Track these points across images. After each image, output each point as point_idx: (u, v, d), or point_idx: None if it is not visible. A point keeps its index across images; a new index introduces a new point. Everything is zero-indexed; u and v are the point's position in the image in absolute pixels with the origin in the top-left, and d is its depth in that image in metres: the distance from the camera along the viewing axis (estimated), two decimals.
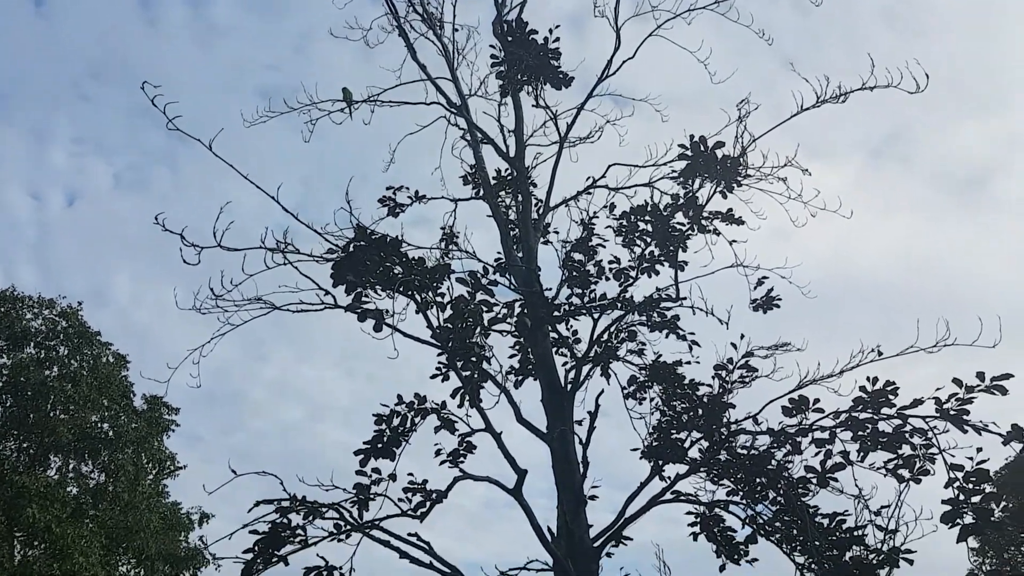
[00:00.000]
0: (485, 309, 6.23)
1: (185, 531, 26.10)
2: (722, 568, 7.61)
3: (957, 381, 5.36)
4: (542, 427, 8.22)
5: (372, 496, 6.37)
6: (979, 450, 5.04)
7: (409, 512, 6.64)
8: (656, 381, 8.75)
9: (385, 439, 6.57)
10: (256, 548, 6.32)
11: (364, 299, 5.95)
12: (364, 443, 6.52)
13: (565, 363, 8.70)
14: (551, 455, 8.20)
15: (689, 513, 8.01)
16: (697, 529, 7.94)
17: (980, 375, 5.30)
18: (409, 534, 7.02)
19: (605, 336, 8.66)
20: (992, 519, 4.75)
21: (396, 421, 6.70)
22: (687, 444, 7.86)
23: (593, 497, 8.10)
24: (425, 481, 6.61)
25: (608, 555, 7.92)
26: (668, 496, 7.79)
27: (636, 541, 8.16)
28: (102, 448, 24.80)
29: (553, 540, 7.69)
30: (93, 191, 59.05)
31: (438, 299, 6.16)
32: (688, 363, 8.65)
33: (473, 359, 5.99)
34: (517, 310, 7.47)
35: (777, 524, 7.07)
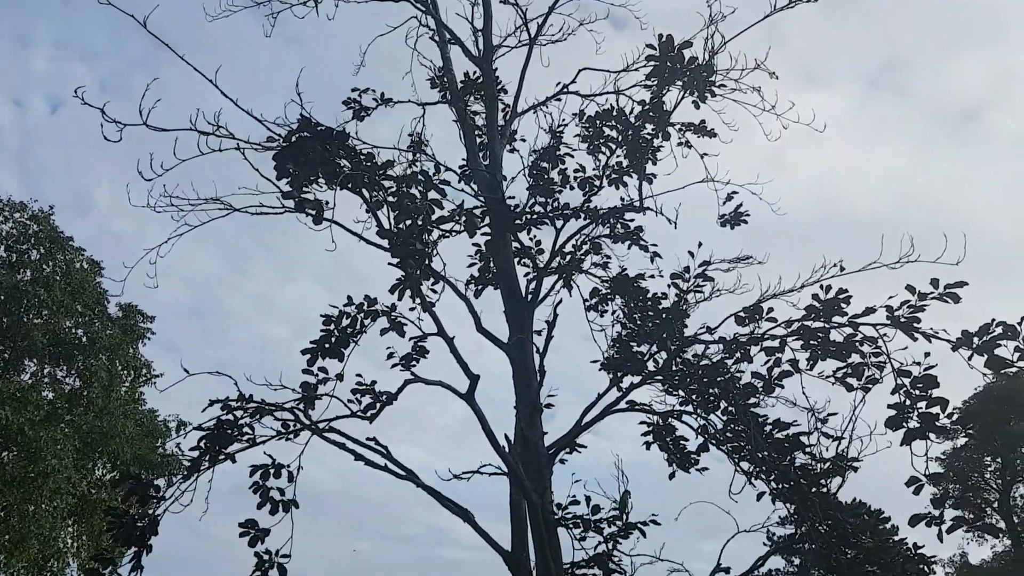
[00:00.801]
0: (436, 208, 6.02)
1: (162, 438, 26.39)
2: (671, 476, 7.68)
3: (910, 288, 5.25)
4: (505, 338, 8.16)
5: (318, 395, 6.28)
6: (927, 355, 4.97)
7: (359, 413, 6.57)
8: (618, 294, 8.67)
9: (333, 340, 6.46)
10: (202, 446, 6.25)
11: (304, 191, 5.72)
12: (311, 342, 6.41)
13: (527, 273, 8.60)
14: (510, 364, 8.18)
15: (643, 423, 8.04)
16: (651, 439, 7.98)
17: (934, 282, 5.18)
18: (368, 438, 7.00)
19: (569, 248, 8.55)
20: (937, 423, 4.71)
21: (345, 322, 6.56)
22: (646, 357, 7.84)
23: (549, 405, 8.10)
24: (374, 382, 6.53)
25: (562, 461, 7.97)
26: (623, 405, 7.81)
27: (598, 458, 8.21)
28: (77, 354, 24.82)
29: (510, 446, 7.74)
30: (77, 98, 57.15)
31: (390, 199, 5.94)
32: (651, 276, 8.56)
33: (416, 256, 5.79)
34: (478, 212, 7.28)
35: (728, 434, 7.08)
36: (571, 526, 7.58)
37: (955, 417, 4.73)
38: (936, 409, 4.75)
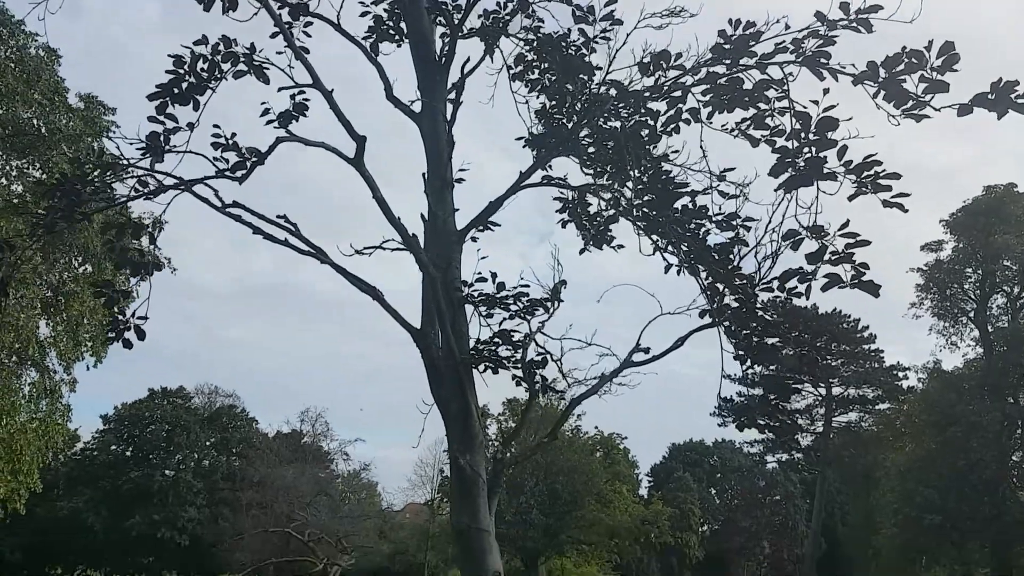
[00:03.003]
0: None
1: (141, 231, 26.16)
2: (582, 251, 7.22)
3: (819, 15, 4.43)
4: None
5: (169, 147, 5.63)
6: (826, 92, 4.23)
7: (227, 172, 5.95)
8: (544, 59, 7.81)
9: (185, 85, 5.69)
10: (51, 201, 5.73)
11: None
12: (157, 86, 5.64)
13: (443, 34, 7.72)
14: (421, 135, 7.53)
15: (557, 199, 7.48)
16: (566, 216, 7.45)
17: (844, 6, 4.36)
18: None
19: (493, 6, 7.64)
20: (824, 169, 4.07)
21: (202, 65, 5.77)
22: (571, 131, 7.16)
23: (460, 180, 7.50)
24: (234, 135, 5.84)
25: (473, 239, 7.50)
26: (537, 179, 7.23)
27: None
28: (38, 144, 24.06)
29: (425, 224, 7.30)
30: None
31: None
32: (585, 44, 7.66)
33: None
34: None
35: (645, 210, 6.53)
36: (477, 303, 7.25)
37: (853, 165, 4.06)
38: (830, 153, 4.09)
